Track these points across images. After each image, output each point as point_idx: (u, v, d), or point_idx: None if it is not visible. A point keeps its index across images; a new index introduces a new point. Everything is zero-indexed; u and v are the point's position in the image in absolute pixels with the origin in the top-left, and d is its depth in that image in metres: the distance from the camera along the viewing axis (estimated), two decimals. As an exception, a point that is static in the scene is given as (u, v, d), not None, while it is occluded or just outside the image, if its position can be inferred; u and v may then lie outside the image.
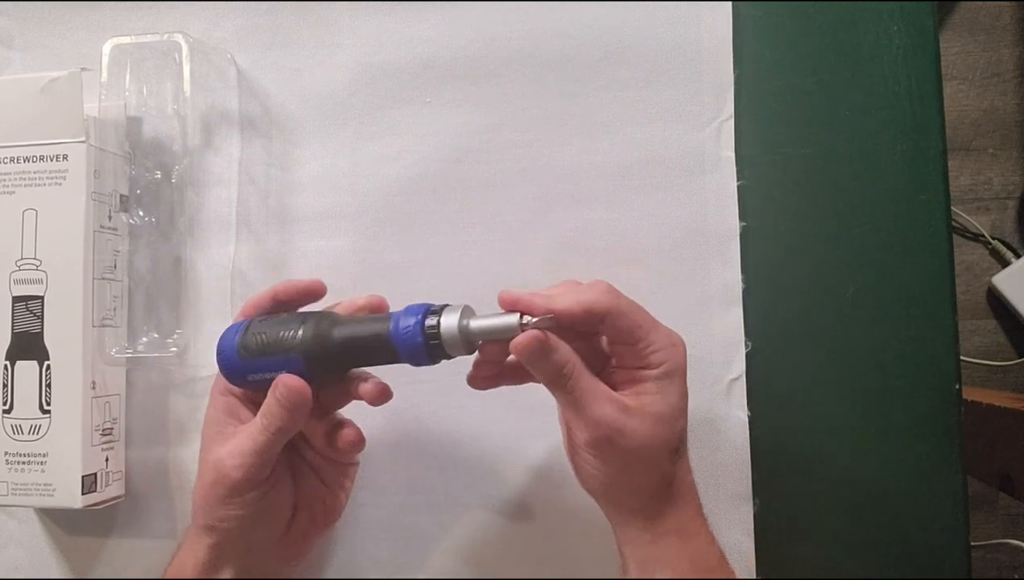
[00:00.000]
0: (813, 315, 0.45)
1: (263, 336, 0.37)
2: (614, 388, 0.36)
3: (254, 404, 0.39)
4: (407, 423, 0.47)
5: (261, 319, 0.39)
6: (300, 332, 0.37)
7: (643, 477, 0.36)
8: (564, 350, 0.35)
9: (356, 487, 0.47)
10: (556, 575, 0.46)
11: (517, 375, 0.38)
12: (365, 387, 0.38)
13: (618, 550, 0.38)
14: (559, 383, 0.35)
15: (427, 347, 0.35)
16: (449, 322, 0.35)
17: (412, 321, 0.35)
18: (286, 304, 0.40)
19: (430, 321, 0.35)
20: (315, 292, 0.41)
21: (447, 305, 0.36)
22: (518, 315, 0.34)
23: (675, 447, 0.36)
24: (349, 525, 0.47)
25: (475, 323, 0.35)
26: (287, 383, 0.36)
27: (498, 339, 0.35)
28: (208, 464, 0.38)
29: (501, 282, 0.47)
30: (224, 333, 0.39)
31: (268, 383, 0.37)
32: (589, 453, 0.35)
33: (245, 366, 0.38)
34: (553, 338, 0.34)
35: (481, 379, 0.38)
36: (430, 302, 0.36)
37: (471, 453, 0.47)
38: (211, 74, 0.50)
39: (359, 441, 0.40)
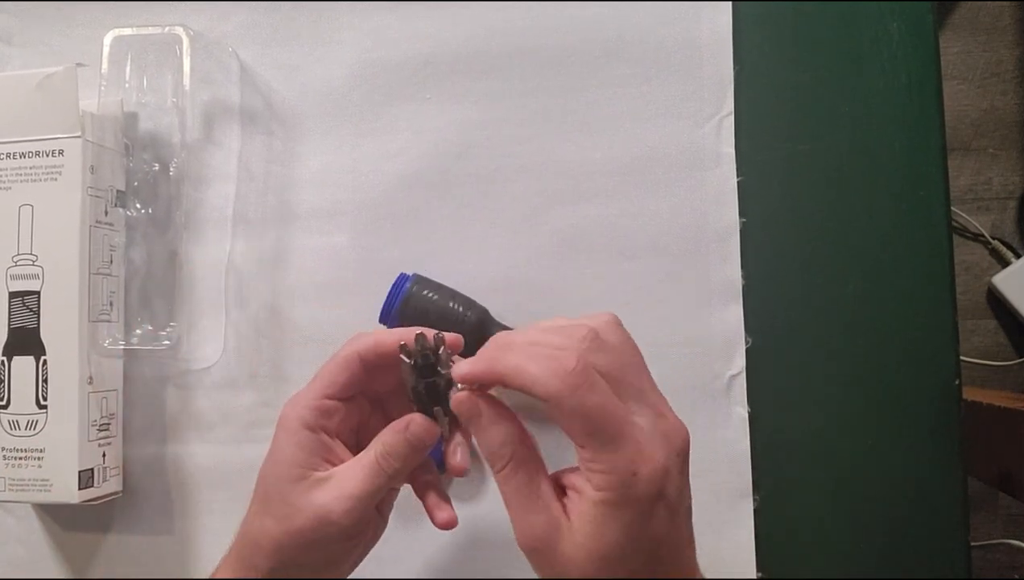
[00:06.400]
0: (813, 311, 0.45)
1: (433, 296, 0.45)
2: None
3: (354, 444, 0.36)
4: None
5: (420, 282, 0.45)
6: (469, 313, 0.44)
7: None
8: (500, 430, 0.30)
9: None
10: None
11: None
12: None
13: None
14: (492, 467, 0.30)
15: None
16: None
17: None
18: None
19: None
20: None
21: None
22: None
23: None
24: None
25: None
26: (421, 424, 0.33)
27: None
28: (298, 508, 0.33)
29: (501, 278, 0.47)
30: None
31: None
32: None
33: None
34: (490, 411, 0.30)
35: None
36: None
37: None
38: (213, 68, 0.49)
39: (453, 522, 0.36)
